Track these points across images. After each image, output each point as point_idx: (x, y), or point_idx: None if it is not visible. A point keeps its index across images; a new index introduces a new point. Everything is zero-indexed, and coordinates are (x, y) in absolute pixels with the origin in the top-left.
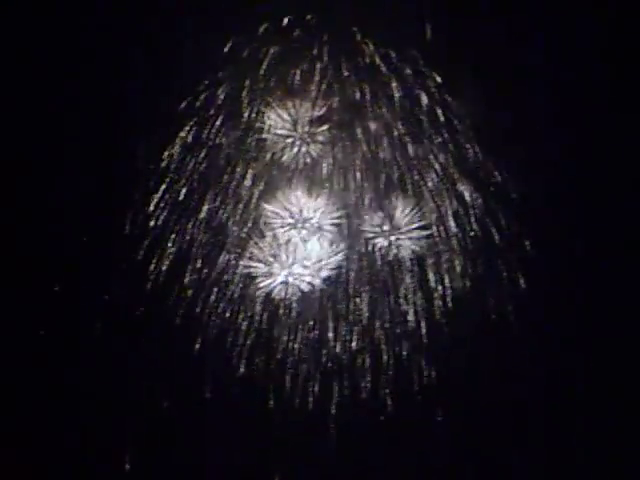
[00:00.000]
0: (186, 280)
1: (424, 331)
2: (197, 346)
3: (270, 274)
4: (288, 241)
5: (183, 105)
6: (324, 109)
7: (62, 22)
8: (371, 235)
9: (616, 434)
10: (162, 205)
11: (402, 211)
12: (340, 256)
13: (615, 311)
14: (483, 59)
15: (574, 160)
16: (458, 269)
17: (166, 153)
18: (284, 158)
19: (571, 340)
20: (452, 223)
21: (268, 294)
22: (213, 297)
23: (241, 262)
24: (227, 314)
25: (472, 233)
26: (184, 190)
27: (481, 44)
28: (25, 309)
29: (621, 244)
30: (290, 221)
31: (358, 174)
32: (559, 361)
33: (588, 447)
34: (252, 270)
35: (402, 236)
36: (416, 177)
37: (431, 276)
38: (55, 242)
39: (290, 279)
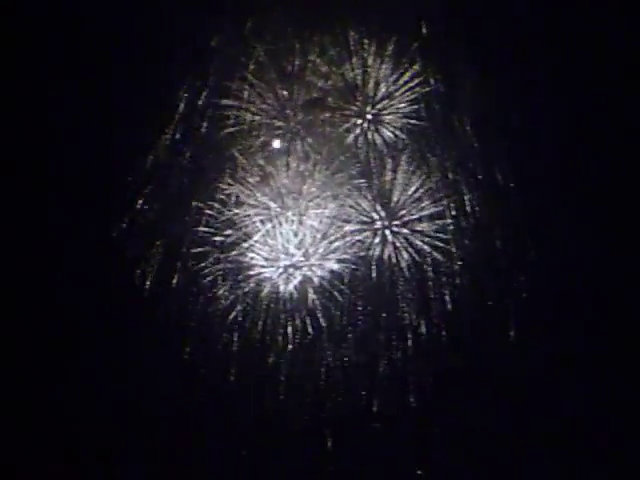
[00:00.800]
0: (176, 278)
1: (422, 330)
2: (189, 345)
3: (261, 268)
4: (279, 234)
5: (170, 101)
6: (315, 95)
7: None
8: (366, 227)
9: (617, 434)
10: (151, 202)
11: (397, 202)
12: (336, 247)
13: (616, 317)
14: (482, 52)
15: (574, 157)
16: (457, 270)
17: (154, 149)
18: (276, 148)
19: (572, 344)
20: (449, 220)
21: (259, 291)
22: (205, 295)
23: (230, 257)
24: (219, 312)
25: (470, 235)
26: (173, 186)
27: (479, 36)
28: (13, 311)
29: (624, 246)
30: (279, 212)
31: (354, 164)
32: (559, 366)
33: (588, 449)
34: (243, 265)
35: (401, 230)
36: (411, 169)
37: (429, 274)
38: (43, 242)
39: (281, 273)
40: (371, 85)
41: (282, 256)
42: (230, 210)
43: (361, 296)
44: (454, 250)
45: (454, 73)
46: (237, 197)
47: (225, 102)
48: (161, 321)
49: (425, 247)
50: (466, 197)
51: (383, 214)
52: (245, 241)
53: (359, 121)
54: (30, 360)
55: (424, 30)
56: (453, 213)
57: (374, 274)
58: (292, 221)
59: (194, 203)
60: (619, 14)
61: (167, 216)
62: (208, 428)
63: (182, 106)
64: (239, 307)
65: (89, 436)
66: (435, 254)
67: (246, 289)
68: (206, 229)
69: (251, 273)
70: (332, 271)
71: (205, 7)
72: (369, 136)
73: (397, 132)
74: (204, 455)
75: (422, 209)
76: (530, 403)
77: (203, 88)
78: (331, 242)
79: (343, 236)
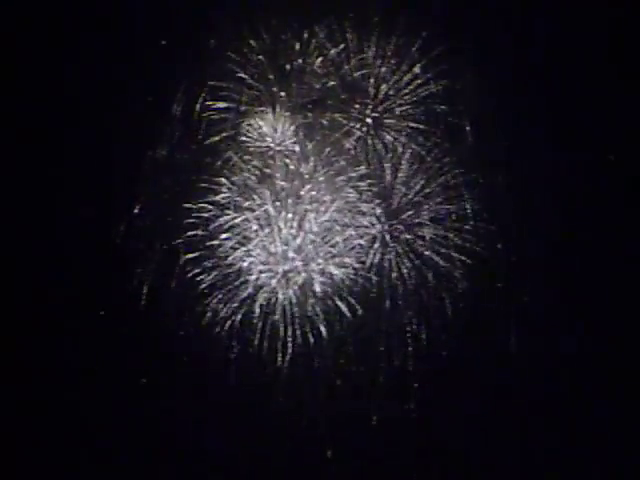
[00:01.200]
0: (173, 283)
1: (423, 336)
2: (187, 351)
3: (260, 273)
4: (278, 238)
5: (168, 104)
6: (314, 97)
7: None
8: (366, 231)
9: (617, 436)
10: (148, 206)
11: (397, 206)
12: (336, 252)
13: (617, 319)
14: (483, 50)
15: (576, 159)
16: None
17: (151, 153)
18: (275, 150)
19: (573, 348)
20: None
21: (257, 296)
22: (202, 300)
23: (228, 262)
24: (217, 318)
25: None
26: (171, 190)
27: (481, 34)
28: (12, 313)
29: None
30: (278, 216)
31: (355, 167)
32: (559, 371)
33: (588, 453)
34: (241, 270)
35: (402, 234)
36: (412, 172)
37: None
38: (42, 246)
39: (280, 278)
40: (371, 87)
41: (281, 261)
42: (228, 214)
43: (361, 301)
44: (455, 255)
45: (455, 74)
46: (235, 201)
47: (223, 105)
48: (158, 326)
49: (426, 251)
50: (467, 201)
51: (383, 218)
52: (243, 245)
53: (359, 124)
54: (28, 360)
55: (424, 32)
56: (454, 217)
57: (375, 279)
58: (291, 225)
59: (191, 207)
60: (619, 14)
61: (165, 220)
62: (206, 436)
63: (180, 109)
64: (237, 313)
65: (84, 440)
66: (436, 258)
67: (244, 295)
68: (203, 233)
69: (249, 278)
70: (332, 276)
71: (204, 8)
72: (369, 139)
73: (397, 135)
74: (202, 463)
75: (423, 213)
76: (531, 409)
77: (201, 91)
78: (331, 246)
79: (343, 240)
